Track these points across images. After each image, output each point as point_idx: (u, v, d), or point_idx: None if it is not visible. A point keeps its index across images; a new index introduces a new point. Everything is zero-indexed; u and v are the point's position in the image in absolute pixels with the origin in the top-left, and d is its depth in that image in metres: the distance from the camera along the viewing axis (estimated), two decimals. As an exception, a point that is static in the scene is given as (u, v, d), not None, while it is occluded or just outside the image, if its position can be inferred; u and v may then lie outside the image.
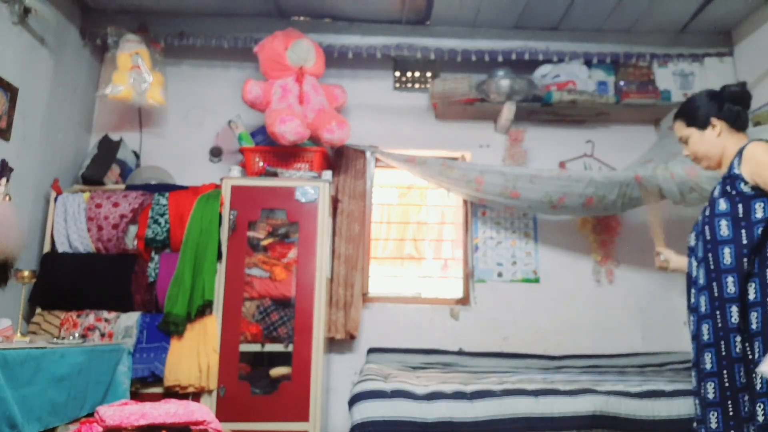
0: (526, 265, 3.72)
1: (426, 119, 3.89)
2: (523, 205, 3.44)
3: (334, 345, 3.52)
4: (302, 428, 2.93)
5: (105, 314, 3.01)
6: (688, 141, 1.94)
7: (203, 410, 2.10)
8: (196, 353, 2.94)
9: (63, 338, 2.67)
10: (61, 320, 2.98)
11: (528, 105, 3.64)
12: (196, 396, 2.94)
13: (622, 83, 3.66)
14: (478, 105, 3.67)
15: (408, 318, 3.62)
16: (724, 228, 1.76)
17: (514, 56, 3.64)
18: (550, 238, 3.75)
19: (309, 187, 3.21)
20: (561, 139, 3.85)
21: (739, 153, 1.80)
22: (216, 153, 3.76)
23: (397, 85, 3.93)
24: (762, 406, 1.62)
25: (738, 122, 1.92)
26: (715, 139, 1.90)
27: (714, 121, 1.90)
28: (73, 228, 3.10)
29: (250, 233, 3.19)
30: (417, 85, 3.93)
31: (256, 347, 3.09)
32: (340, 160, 3.63)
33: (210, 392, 2.95)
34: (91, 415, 2.13)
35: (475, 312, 3.65)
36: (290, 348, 3.05)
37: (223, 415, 2.83)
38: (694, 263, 1.92)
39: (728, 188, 1.80)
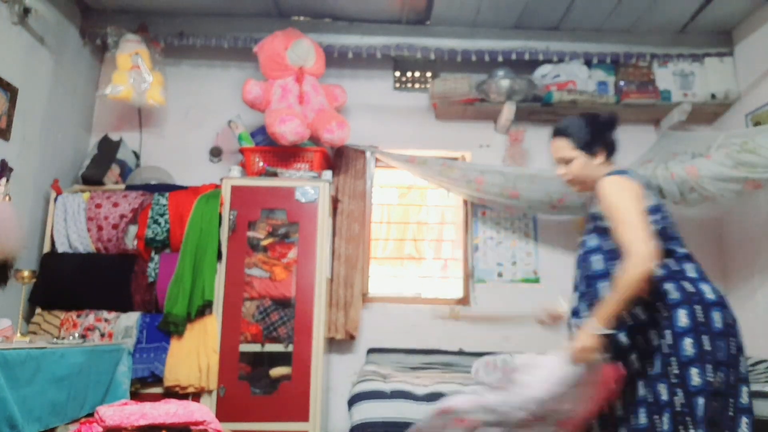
0: (526, 265, 3.72)
1: (426, 119, 3.88)
2: (523, 205, 3.44)
3: (334, 345, 3.52)
4: (302, 428, 2.93)
5: (105, 314, 3.01)
6: (571, 162, 1.88)
7: (203, 410, 2.11)
8: (196, 353, 2.94)
9: (63, 338, 2.68)
10: (61, 320, 2.98)
11: (528, 105, 3.64)
12: (196, 396, 2.94)
13: (622, 83, 3.66)
14: (478, 105, 3.67)
15: (408, 318, 3.62)
16: (595, 263, 1.78)
17: (514, 56, 3.64)
18: (550, 238, 3.75)
19: (309, 187, 3.21)
20: (561, 139, 3.84)
21: (596, 190, 1.80)
22: (216, 153, 3.76)
23: (397, 85, 3.93)
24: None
25: (613, 152, 1.92)
26: (596, 167, 1.87)
27: (600, 150, 1.88)
28: (73, 228, 3.10)
29: (250, 233, 3.19)
30: (417, 85, 3.92)
31: (256, 347, 3.09)
32: (340, 160, 3.63)
33: (210, 392, 2.95)
34: (91, 415, 2.13)
35: (475, 312, 3.65)
36: (290, 348, 3.05)
37: (223, 415, 2.83)
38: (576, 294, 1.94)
39: (597, 223, 1.82)
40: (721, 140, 2.99)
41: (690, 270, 1.75)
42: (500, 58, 3.64)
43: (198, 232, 3.04)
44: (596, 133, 1.89)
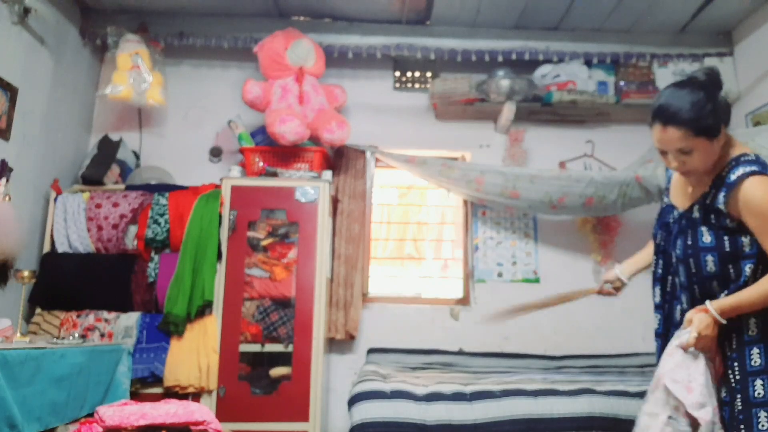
0: (526, 265, 3.72)
1: (426, 119, 3.88)
2: (523, 205, 3.44)
3: (334, 345, 3.52)
4: (302, 428, 2.93)
5: (105, 314, 3.00)
6: (692, 153, 1.57)
7: (203, 410, 2.10)
8: (195, 353, 2.94)
9: (63, 338, 2.67)
10: (61, 320, 2.98)
11: (528, 105, 3.64)
12: (196, 396, 2.93)
13: (622, 83, 3.66)
14: (478, 105, 3.67)
15: (408, 318, 3.62)
16: (710, 264, 1.61)
17: (514, 56, 3.64)
18: (550, 238, 3.75)
19: (309, 187, 3.21)
20: (561, 139, 3.84)
21: (728, 186, 1.57)
22: (216, 153, 3.76)
23: (397, 85, 3.93)
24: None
25: (729, 119, 1.64)
26: (719, 149, 1.61)
27: (722, 129, 1.58)
28: (72, 228, 3.10)
29: (250, 233, 3.19)
30: (417, 85, 3.92)
31: (256, 347, 3.08)
32: (340, 160, 3.62)
33: (210, 392, 2.95)
34: (91, 415, 2.14)
35: (475, 312, 3.65)
36: (290, 348, 3.05)
37: (223, 415, 2.82)
38: (661, 264, 1.80)
39: (711, 217, 1.62)
40: (721, 140, 2.98)
41: None
42: (500, 58, 3.64)
43: (198, 232, 3.04)
44: (717, 114, 1.56)
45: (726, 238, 1.59)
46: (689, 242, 1.64)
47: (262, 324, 3.09)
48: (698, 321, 1.56)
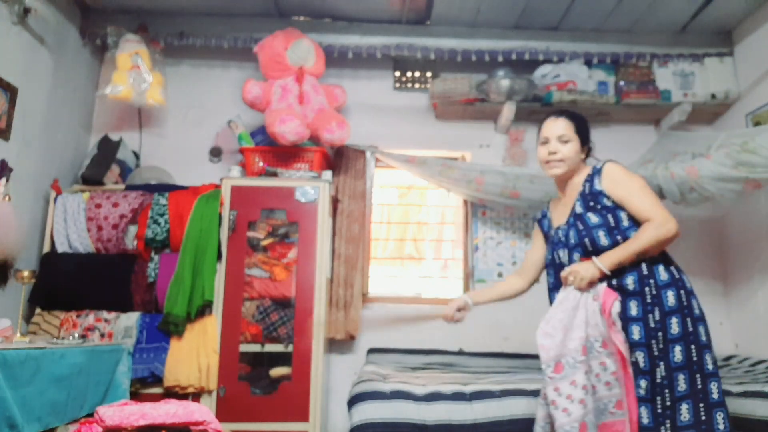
0: (526, 265, 3.71)
1: (426, 119, 3.88)
2: (523, 205, 3.44)
3: (334, 345, 3.52)
4: (302, 428, 2.93)
5: (105, 314, 3.00)
6: (568, 143, 2.03)
7: (203, 410, 2.10)
8: (195, 353, 2.94)
9: (63, 338, 2.67)
10: (60, 320, 2.97)
11: (528, 105, 3.64)
12: (196, 396, 2.93)
13: (622, 83, 3.66)
14: (478, 105, 3.67)
15: (408, 318, 3.62)
16: (602, 238, 1.91)
17: (514, 56, 3.64)
18: (550, 238, 3.75)
19: (309, 187, 3.21)
20: (561, 139, 3.84)
21: (596, 173, 2.00)
22: (216, 153, 3.76)
23: (397, 85, 3.93)
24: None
25: (587, 157, 2.12)
26: (580, 159, 2.07)
27: (586, 147, 2.10)
28: (72, 228, 3.10)
29: (250, 233, 3.19)
30: (417, 85, 3.92)
31: (256, 347, 3.08)
32: (340, 160, 3.62)
33: (210, 392, 2.95)
34: (90, 415, 2.13)
35: (475, 312, 3.64)
36: (290, 348, 3.05)
37: (223, 415, 2.83)
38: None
39: (591, 203, 1.96)
40: (721, 140, 2.99)
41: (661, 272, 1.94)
42: (500, 58, 3.64)
43: (198, 232, 3.04)
44: (588, 132, 2.11)
45: (609, 215, 1.93)
46: (581, 227, 1.96)
47: (262, 324, 3.09)
48: (579, 266, 1.92)
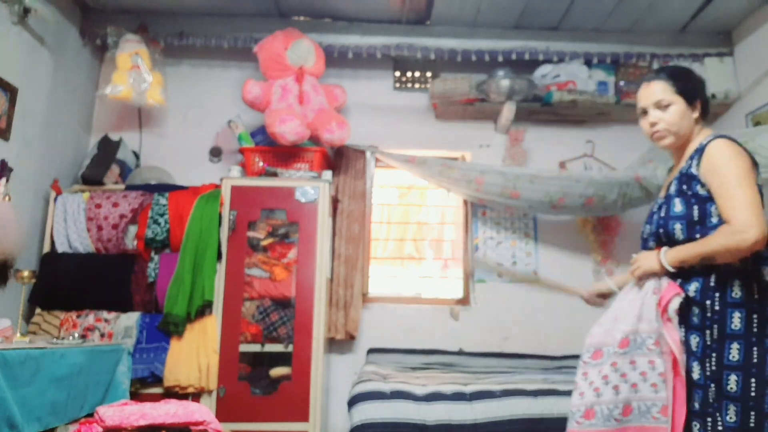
0: (526, 266, 3.72)
1: (426, 119, 3.88)
2: (523, 205, 3.44)
3: (334, 345, 3.52)
4: (302, 428, 2.93)
5: (105, 314, 3.00)
6: (669, 108, 1.73)
7: (203, 410, 2.10)
8: (195, 353, 2.94)
9: (63, 338, 2.67)
10: (60, 320, 2.97)
11: (528, 105, 3.64)
12: (195, 396, 2.93)
13: (622, 83, 3.66)
14: (478, 105, 3.67)
15: (408, 318, 3.62)
16: (678, 232, 1.65)
17: (514, 56, 3.64)
18: (550, 238, 3.75)
19: (309, 187, 3.21)
20: (561, 139, 3.84)
21: (699, 151, 1.68)
22: (216, 153, 3.76)
23: (397, 85, 3.93)
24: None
25: (706, 115, 1.81)
26: (692, 121, 1.74)
27: (698, 103, 1.75)
28: (72, 228, 3.10)
29: (250, 233, 3.19)
30: (417, 85, 3.92)
31: (256, 347, 3.08)
32: (340, 160, 3.62)
33: (210, 392, 2.95)
34: (90, 415, 2.14)
35: (475, 312, 3.65)
36: (290, 348, 3.05)
37: (223, 415, 2.83)
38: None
39: (684, 187, 1.68)
40: (722, 140, 2.98)
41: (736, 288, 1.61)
42: (500, 58, 3.64)
43: (198, 232, 3.04)
44: (697, 84, 1.77)
45: (696, 206, 1.64)
46: (662, 214, 1.71)
47: (262, 324, 3.08)
48: (643, 255, 1.71)
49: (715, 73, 3.63)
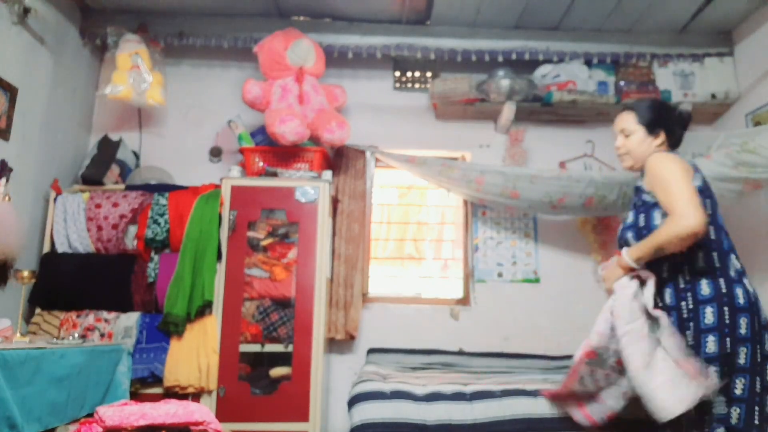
0: (527, 266, 3.72)
1: (426, 119, 3.88)
2: (523, 205, 3.44)
3: (334, 345, 3.52)
4: (302, 428, 2.93)
5: (105, 314, 3.00)
6: (631, 136, 2.01)
7: (203, 410, 2.10)
8: (195, 353, 2.94)
9: (63, 338, 2.67)
10: (60, 320, 2.97)
11: (528, 105, 3.64)
12: (195, 396, 2.93)
13: (622, 83, 3.66)
14: (478, 105, 3.67)
15: (408, 318, 3.62)
16: (630, 240, 1.90)
17: (514, 56, 3.64)
18: (550, 238, 3.75)
19: (309, 187, 3.21)
20: (561, 139, 3.84)
21: (644, 167, 1.94)
22: (216, 153, 3.76)
23: (397, 85, 3.93)
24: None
25: (676, 143, 2.04)
26: (651, 147, 1.99)
27: (661, 133, 2.00)
28: (72, 228, 3.10)
29: (250, 233, 3.19)
30: (417, 85, 3.92)
31: (256, 347, 3.08)
32: (340, 160, 3.62)
33: (210, 392, 2.95)
34: (90, 415, 2.13)
35: (475, 312, 3.65)
36: (290, 348, 3.05)
37: (223, 415, 2.83)
38: None
39: (636, 201, 1.93)
40: (721, 140, 2.99)
41: (731, 268, 1.85)
42: (500, 58, 3.64)
43: (198, 232, 3.04)
44: (661, 116, 2.01)
45: (642, 214, 1.88)
46: (620, 227, 1.98)
47: (262, 324, 3.08)
48: (607, 269, 1.95)
49: (715, 73, 3.63)
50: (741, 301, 1.77)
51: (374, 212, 3.82)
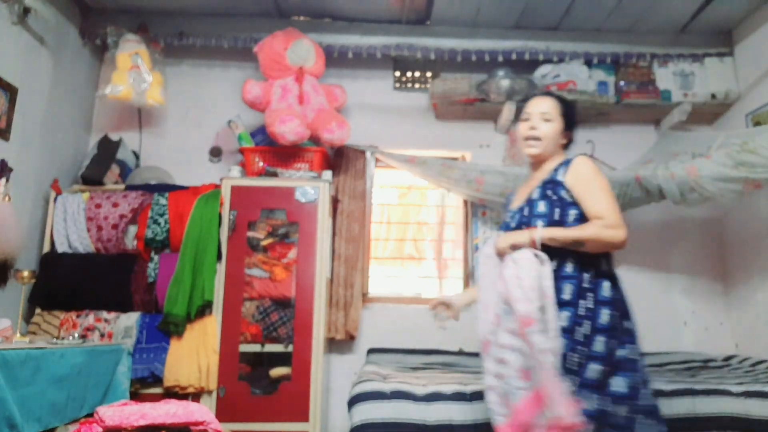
0: (526, 265, 3.71)
1: (426, 119, 3.88)
2: (523, 205, 3.43)
3: (334, 345, 3.52)
4: (302, 428, 2.93)
5: (105, 314, 3.00)
6: (550, 122, 1.95)
7: (203, 410, 2.10)
8: (195, 353, 2.94)
9: (63, 338, 2.67)
10: (60, 320, 2.97)
11: (528, 105, 3.63)
12: (195, 396, 2.93)
13: (622, 83, 3.66)
14: (478, 105, 3.66)
15: (408, 318, 3.62)
16: (539, 227, 1.84)
17: (514, 56, 3.64)
18: (550, 238, 3.74)
19: (309, 187, 3.21)
20: (561, 139, 3.84)
21: (566, 163, 1.90)
22: (216, 153, 3.76)
23: (397, 85, 3.93)
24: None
25: (567, 147, 2.04)
26: (559, 144, 1.98)
27: (569, 133, 2.01)
28: (72, 228, 3.10)
29: (250, 233, 3.19)
30: (417, 85, 3.92)
31: (256, 347, 3.08)
32: (340, 160, 3.62)
33: (210, 392, 2.95)
34: (90, 415, 2.13)
35: (476, 312, 3.64)
36: (290, 348, 3.05)
37: (222, 415, 2.83)
38: None
39: (549, 192, 1.87)
40: (721, 140, 2.99)
41: (605, 288, 1.82)
42: (500, 58, 3.64)
43: (198, 232, 3.04)
44: (575, 118, 2.01)
45: (558, 208, 1.84)
46: (525, 213, 1.91)
47: (262, 324, 3.08)
48: (512, 232, 1.87)
49: (715, 73, 3.63)
50: (627, 308, 1.86)
51: (374, 212, 3.82)
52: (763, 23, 3.41)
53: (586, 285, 1.79)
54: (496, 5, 3.42)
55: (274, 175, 3.26)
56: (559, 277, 1.79)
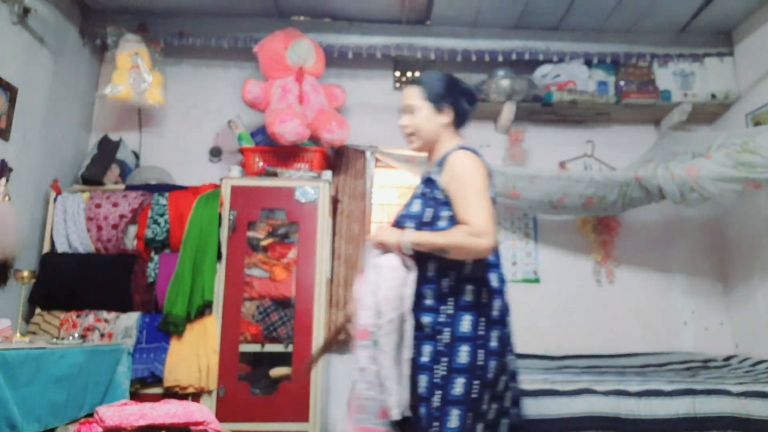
0: (526, 266, 3.72)
1: (426, 119, 3.87)
2: (523, 205, 3.44)
3: (334, 345, 3.51)
4: (302, 428, 2.93)
5: (104, 314, 3.00)
6: (415, 112, 1.83)
7: (203, 410, 2.11)
8: (195, 354, 2.94)
9: (62, 338, 2.67)
10: (60, 320, 2.97)
11: (528, 105, 3.64)
12: (195, 396, 2.93)
13: (622, 83, 3.66)
14: (478, 105, 3.66)
15: (408, 318, 3.61)
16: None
17: (514, 56, 3.64)
18: (550, 238, 3.75)
19: (309, 187, 3.21)
20: (561, 139, 3.84)
21: (444, 159, 1.75)
22: (216, 153, 3.76)
23: (397, 85, 3.92)
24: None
25: (462, 122, 1.88)
26: (439, 126, 1.83)
27: (447, 109, 1.83)
28: (72, 228, 3.10)
29: (250, 233, 3.19)
30: (417, 85, 3.91)
31: (256, 347, 3.08)
32: (340, 160, 3.62)
33: (210, 392, 2.95)
34: (90, 415, 2.14)
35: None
36: (290, 348, 3.05)
37: (222, 415, 2.82)
38: None
39: (427, 190, 1.76)
40: (721, 140, 2.99)
41: (493, 279, 1.72)
42: (500, 58, 3.64)
43: (198, 232, 3.04)
44: (448, 91, 1.84)
45: (431, 208, 1.72)
46: (402, 211, 1.79)
47: (262, 324, 3.08)
48: (386, 228, 1.75)
49: (715, 73, 3.64)
50: (496, 313, 1.71)
51: (374, 212, 3.82)
52: (763, 23, 3.41)
53: (445, 290, 1.68)
54: (496, 5, 3.42)
55: (274, 175, 3.26)
56: (421, 281, 1.68)
